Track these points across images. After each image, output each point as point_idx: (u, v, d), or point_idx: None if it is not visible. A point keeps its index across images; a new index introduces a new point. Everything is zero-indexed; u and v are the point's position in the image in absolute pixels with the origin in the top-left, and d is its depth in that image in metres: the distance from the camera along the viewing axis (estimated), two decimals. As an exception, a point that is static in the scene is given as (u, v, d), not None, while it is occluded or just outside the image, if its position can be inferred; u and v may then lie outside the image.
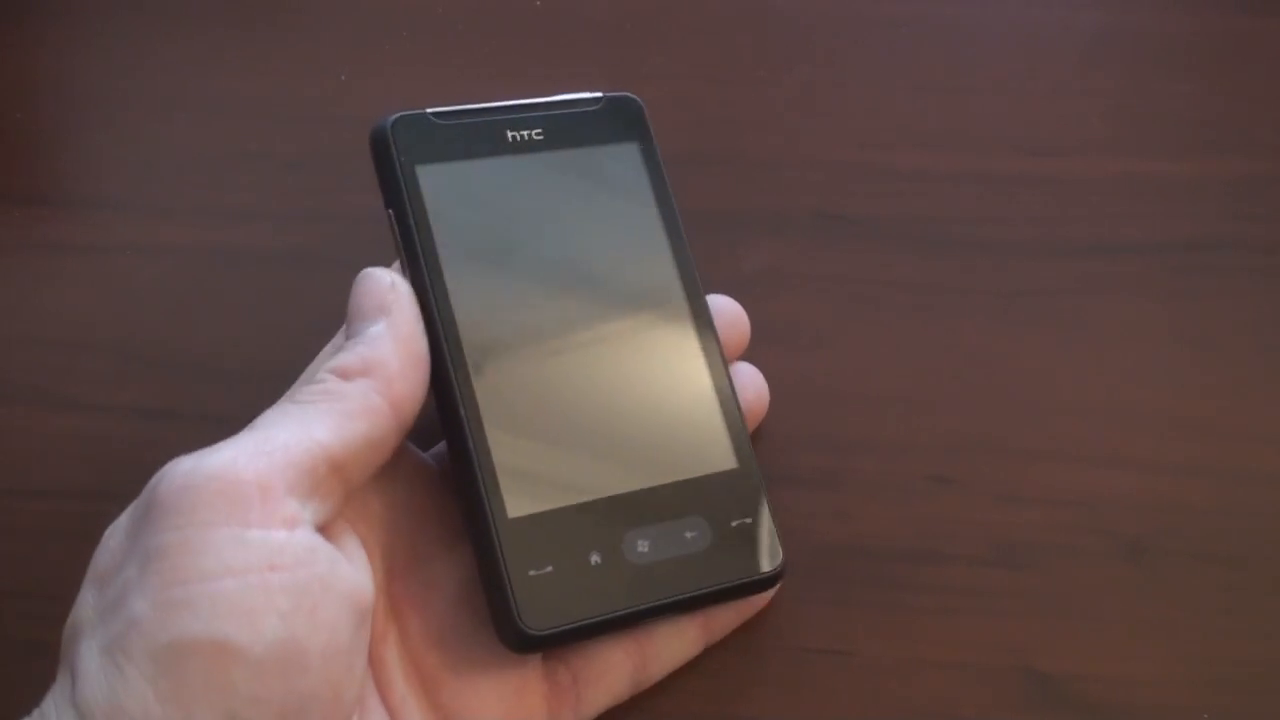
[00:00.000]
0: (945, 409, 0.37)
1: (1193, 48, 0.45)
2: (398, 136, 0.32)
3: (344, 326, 0.31)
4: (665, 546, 0.31)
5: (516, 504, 0.30)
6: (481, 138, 0.33)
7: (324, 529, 0.28)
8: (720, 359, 0.33)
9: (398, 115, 0.32)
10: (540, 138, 0.34)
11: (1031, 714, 0.32)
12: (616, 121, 0.35)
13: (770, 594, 0.33)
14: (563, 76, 0.36)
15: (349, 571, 0.27)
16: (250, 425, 0.28)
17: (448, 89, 0.36)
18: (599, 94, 0.35)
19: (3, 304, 0.40)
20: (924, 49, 0.45)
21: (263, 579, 0.25)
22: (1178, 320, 0.39)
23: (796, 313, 0.39)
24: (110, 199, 0.42)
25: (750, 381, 0.35)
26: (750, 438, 0.33)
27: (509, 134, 0.33)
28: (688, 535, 0.31)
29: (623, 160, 0.34)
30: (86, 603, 0.26)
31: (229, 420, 0.31)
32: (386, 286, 0.30)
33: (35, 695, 0.26)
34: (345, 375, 0.29)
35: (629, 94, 0.35)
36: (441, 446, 0.34)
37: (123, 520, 0.27)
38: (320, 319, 0.34)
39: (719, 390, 0.33)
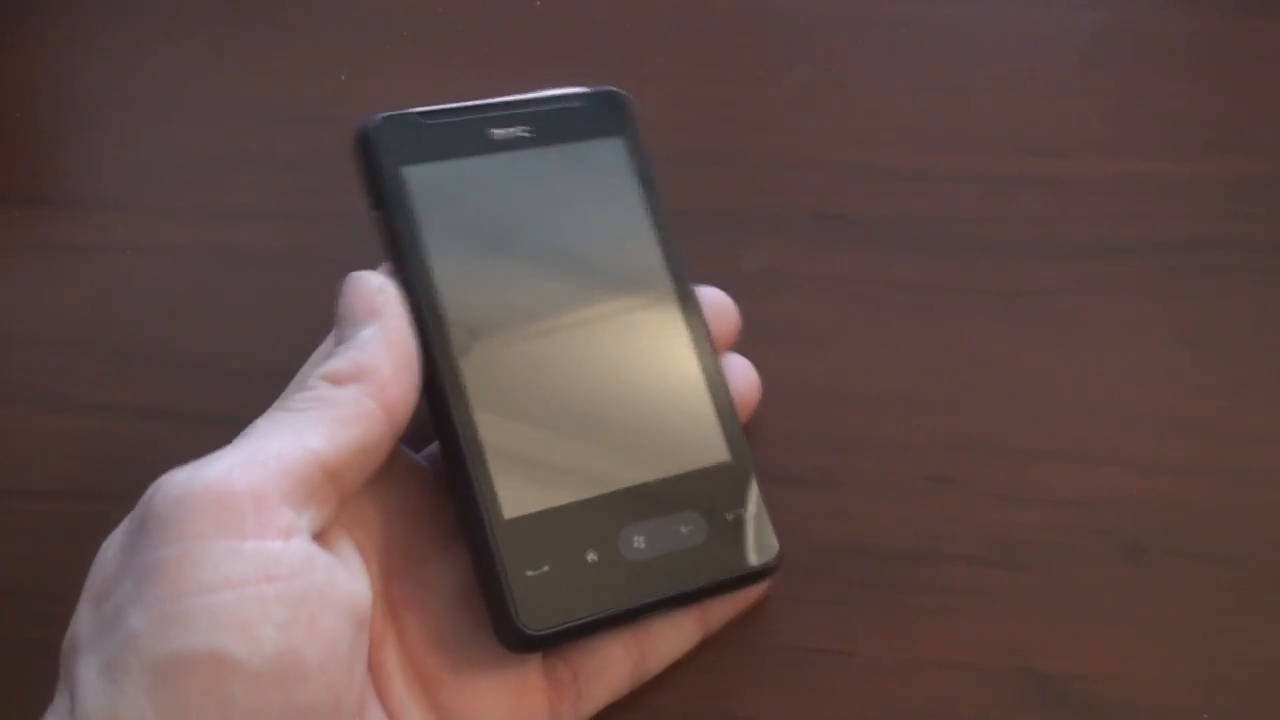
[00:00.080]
0: (945, 409, 0.37)
1: (1193, 48, 0.45)
2: (382, 138, 0.32)
3: (333, 331, 0.31)
4: (661, 542, 0.31)
5: (512, 505, 0.30)
6: (467, 136, 0.33)
7: (320, 536, 0.28)
8: (711, 351, 0.33)
9: (382, 116, 0.32)
10: (526, 135, 0.33)
11: (1031, 714, 0.32)
12: (602, 116, 0.34)
13: (764, 586, 0.33)
14: (563, 76, 0.36)
15: (346, 579, 0.27)
16: (243, 434, 0.28)
17: (448, 89, 0.36)
18: (584, 89, 0.34)
19: (3, 304, 0.40)
20: (924, 49, 0.45)
21: (259, 590, 0.25)
22: (1177, 320, 0.39)
23: (796, 313, 0.39)
24: (110, 199, 0.42)
25: (741, 373, 0.35)
26: (743, 429, 0.33)
27: (494, 132, 0.33)
28: (683, 530, 0.31)
29: (609, 155, 0.34)
30: (84, 619, 0.26)
31: (229, 420, 0.31)
32: (375, 289, 0.30)
33: (35, 695, 0.26)
34: (337, 381, 0.29)
35: (613, 88, 0.35)
36: (434, 447, 0.33)
37: (118, 534, 0.27)
38: (320, 319, 0.34)
39: (710, 383, 0.33)
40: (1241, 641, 0.33)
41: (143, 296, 0.40)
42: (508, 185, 0.33)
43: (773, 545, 0.32)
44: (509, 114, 0.33)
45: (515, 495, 0.30)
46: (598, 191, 0.34)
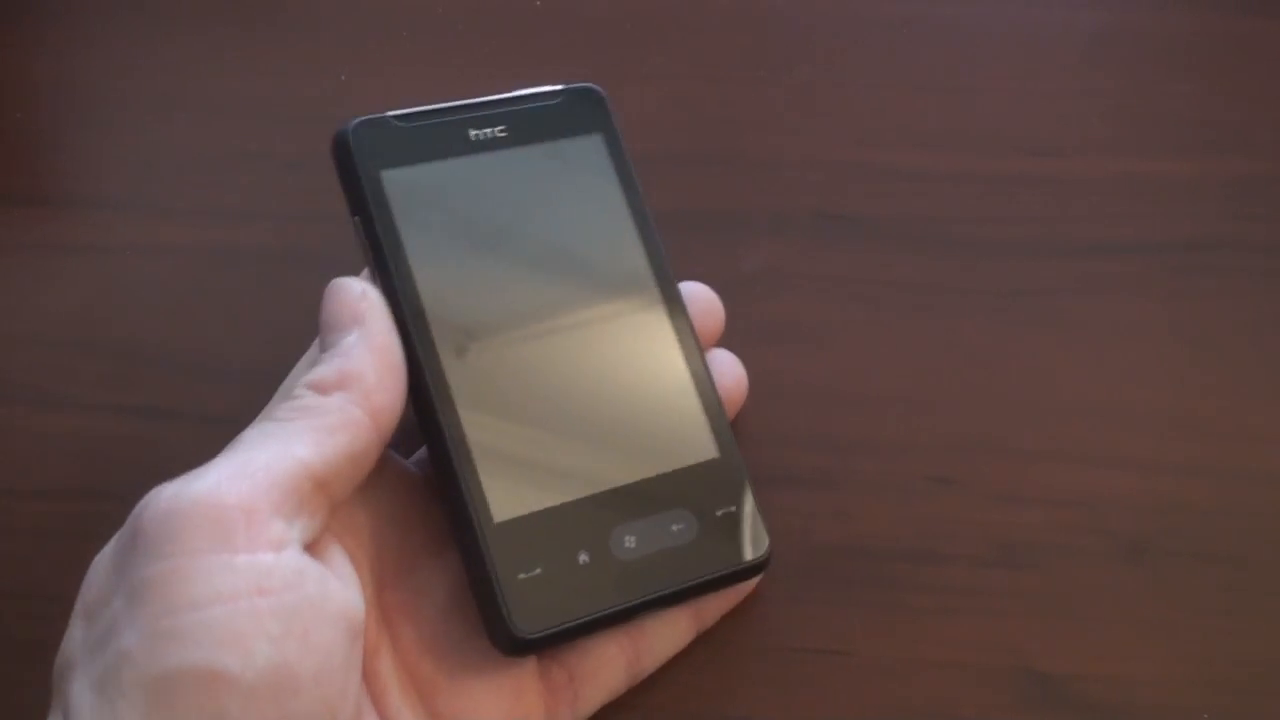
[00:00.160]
0: (945, 409, 0.37)
1: (1193, 48, 0.45)
2: (360, 142, 0.31)
3: (317, 339, 0.31)
4: (652, 540, 0.31)
5: (502, 508, 0.30)
6: (444, 138, 0.33)
7: (311, 546, 0.28)
8: (696, 347, 0.33)
9: (358, 120, 0.32)
10: (504, 135, 0.33)
11: (1031, 714, 0.32)
12: (579, 114, 0.34)
13: (756, 581, 0.33)
14: (563, 76, 0.36)
15: (339, 590, 0.27)
16: (230, 446, 0.28)
17: (448, 89, 0.35)
18: (559, 86, 0.34)
19: (3, 304, 0.40)
20: (924, 49, 0.45)
21: (252, 604, 0.25)
22: (1178, 320, 0.39)
23: (796, 313, 0.39)
24: (110, 199, 0.42)
25: (728, 369, 0.35)
26: (731, 425, 0.33)
27: (472, 133, 0.33)
28: (674, 528, 0.31)
29: (587, 152, 0.34)
30: (75, 637, 0.26)
31: (229, 420, 0.31)
32: (357, 295, 0.30)
33: (35, 695, 0.26)
34: (322, 389, 0.29)
35: (590, 85, 0.35)
36: (424, 452, 0.33)
37: (108, 551, 0.27)
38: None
39: (696, 380, 0.33)
40: (1241, 641, 0.33)
41: (143, 296, 0.40)
42: (487, 186, 0.33)
43: (764, 540, 0.32)
44: (486, 114, 0.33)
45: (505, 498, 0.30)
46: (578, 189, 0.34)
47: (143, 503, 0.26)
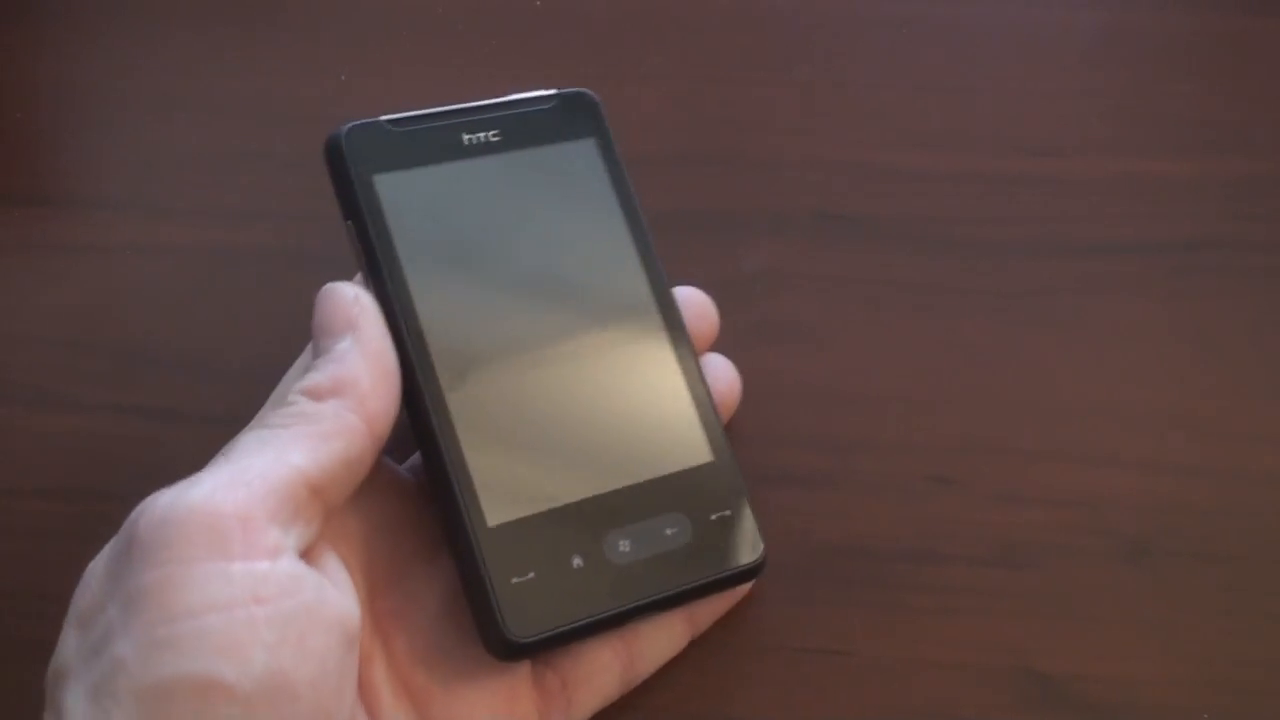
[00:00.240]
0: (945, 409, 0.37)
1: (1193, 48, 0.45)
2: (352, 146, 0.31)
3: (310, 344, 0.31)
4: (646, 545, 0.31)
5: (495, 512, 0.30)
6: (438, 143, 0.33)
7: (307, 553, 0.28)
8: (690, 352, 0.33)
9: (351, 125, 0.32)
10: (497, 139, 0.33)
11: (1031, 714, 0.32)
12: (572, 118, 0.34)
13: (750, 584, 0.33)
14: (563, 77, 0.36)
15: (335, 597, 0.27)
16: (224, 453, 0.28)
17: (448, 89, 0.35)
18: (553, 91, 0.34)
19: (3, 304, 0.40)
20: (924, 49, 0.45)
21: (248, 612, 0.25)
22: (1178, 320, 0.39)
23: (796, 313, 0.39)
24: (110, 199, 0.42)
25: (722, 373, 0.34)
26: (725, 429, 0.33)
27: (465, 137, 0.33)
28: (668, 532, 0.31)
29: (581, 157, 0.34)
30: (69, 645, 0.26)
31: (229, 420, 0.31)
32: (350, 300, 0.30)
33: (35, 695, 0.26)
34: (317, 395, 0.28)
35: (583, 90, 0.35)
36: (416, 459, 0.33)
37: (102, 558, 0.27)
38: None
39: (690, 384, 0.33)
40: (1241, 641, 0.33)
41: (143, 296, 0.40)
42: (480, 191, 0.33)
43: (758, 544, 0.32)
44: (479, 119, 0.33)
45: (498, 502, 0.30)
46: (571, 194, 0.34)
47: (138, 510, 0.26)
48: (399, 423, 0.30)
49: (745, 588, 0.33)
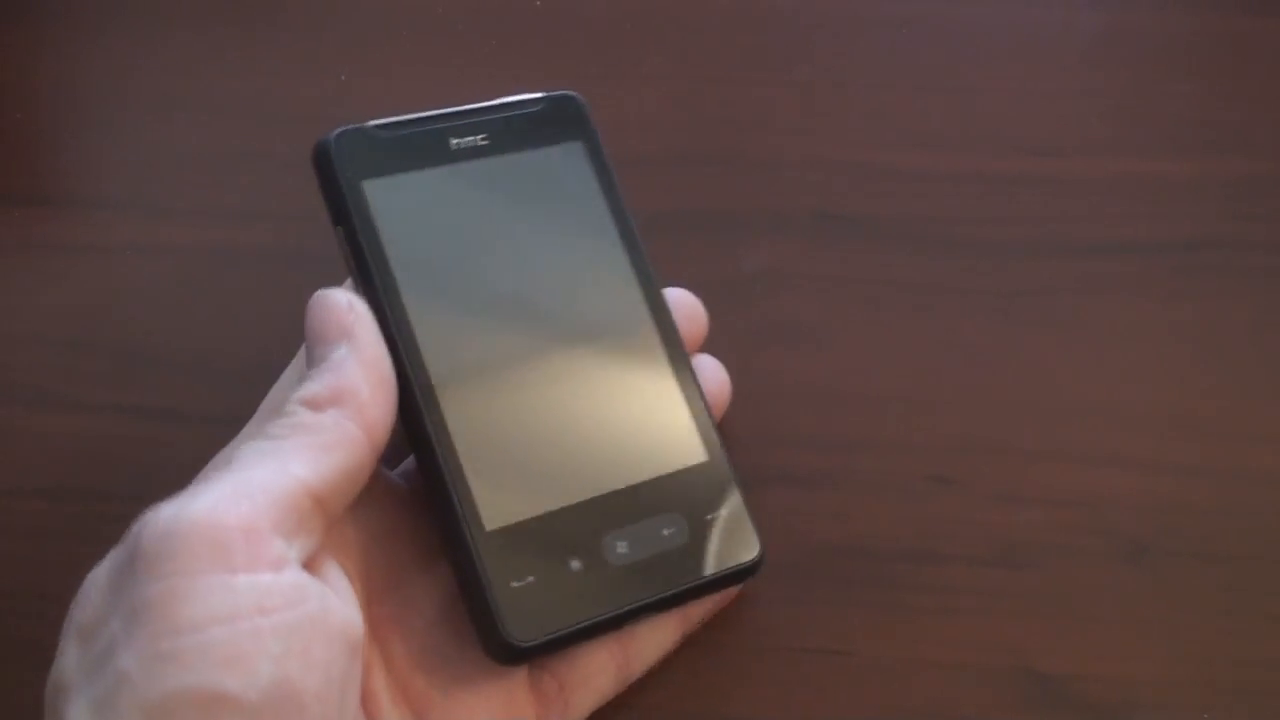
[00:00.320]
0: (945, 409, 0.37)
1: (1193, 48, 0.45)
2: (341, 152, 0.31)
3: (303, 349, 0.31)
4: (644, 545, 0.31)
5: (492, 516, 0.30)
6: (426, 148, 0.32)
7: (308, 564, 0.27)
8: (681, 352, 0.33)
9: (339, 131, 0.32)
10: (485, 143, 0.33)
11: (1031, 714, 0.32)
12: (559, 121, 0.34)
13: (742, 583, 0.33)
14: (563, 77, 0.36)
15: (339, 607, 0.27)
16: (224, 464, 0.28)
17: (448, 89, 0.35)
18: (539, 94, 0.34)
19: (3, 304, 0.40)
20: (924, 49, 0.45)
21: (253, 624, 0.25)
22: (1178, 320, 0.39)
23: (796, 313, 0.39)
24: (110, 199, 0.42)
25: (711, 374, 0.34)
26: (717, 429, 0.33)
27: (453, 142, 0.33)
28: (665, 532, 0.31)
29: (568, 160, 0.34)
30: (69, 659, 0.26)
31: (229, 420, 0.31)
32: (345, 307, 0.30)
33: (35, 695, 0.26)
34: (316, 406, 0.28)
35: (570, 92, 0.35)
36: (408, 464, 0.33)
37: (102, 570, 0.26)
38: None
39: (683, 385, 0.33)
40: (1241, 641, 0.33)
41: (143, 296, 0.40)
42: (469, 195, 0.33)
43: (755, 542, 0.32)
44: (467, 123, 0.33)
45: (495, 507, 0.30)
46: (560, 197, 0.33)
47: (140, 522, 0.26)
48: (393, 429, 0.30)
49: (737, 586, 0.33)
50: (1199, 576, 0.34)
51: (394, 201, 0.31)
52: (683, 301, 0.34)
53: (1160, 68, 0.44)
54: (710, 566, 0.31)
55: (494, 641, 0.29)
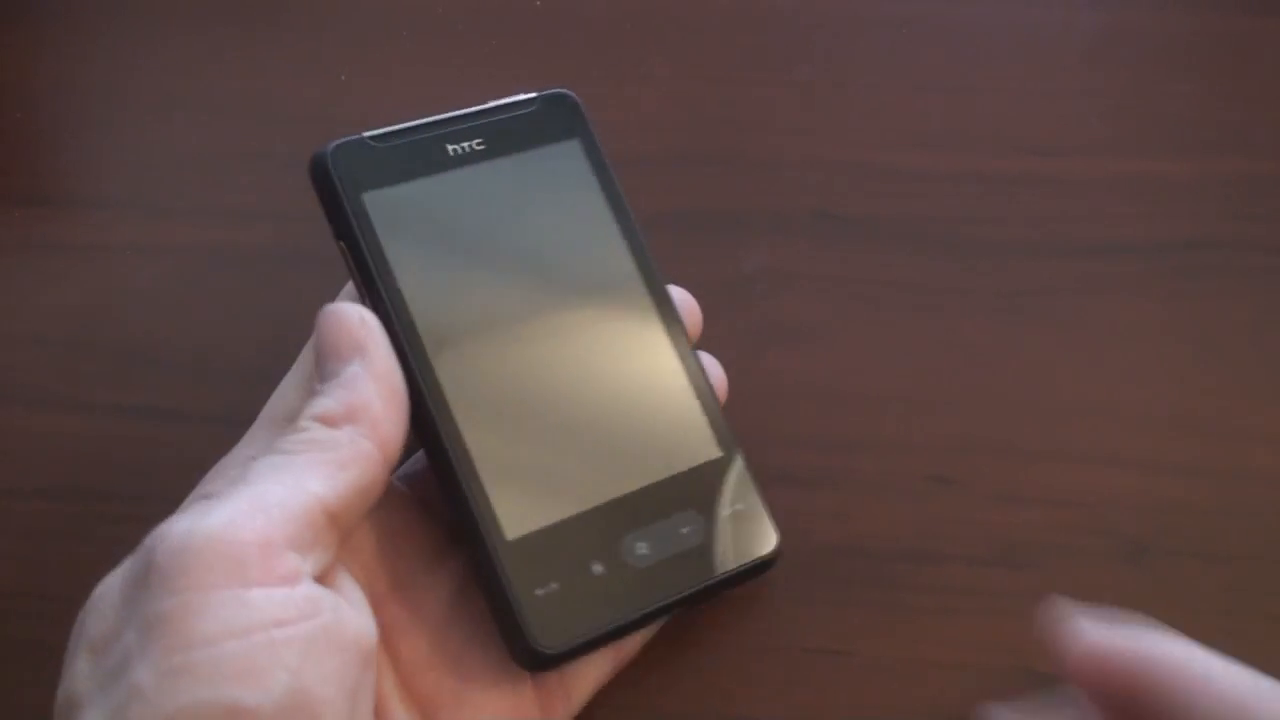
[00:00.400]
0: (945, 409, 0.37)
1: (1193, 48, 0.45)
2: (339, 166, 0.31)
3: (307, 353, 0.31)
4: (664, 545, 0.31)
5: (513, 526, 0.30)
6: (423, 156, 0.32)
7: (321, 576, 0.28)
8: (689, 349, 0.33)
9: (335, 144, 0.31)
10: (481, 147, 0.33)
11: (1031, 714, 0.32)
12: (555, 120, 0.34)
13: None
14: (563, 77, 0.36)
15: (352, 616, 0.27)
16: (232, 475, 0.28)
17: (448, 89, 0.35)
18: (533, 94, 0.34)
19: (3, 304, 0.40)
20: (924, 49, 0.45)
21: (267, 637, 0.25)
22: (1178, 320, 0.39)
23: (796, 313, 0.39)
24: (110, 199, 0.42)
25: (709, 372, 0.34)
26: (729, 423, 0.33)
27: (450, 148, 0.33)
28: (684, 530, 0.31)
29: (566, 159, 0.34)
30: (81, 672, 0.26)
31: (229, 420, 0.31)
32: (357, 323, 0.29)
33: (36, 695, 0.26)
34: (330, 422, 0.28)
35: (564, 91, 0.34)
36: (408, 468, 0.33)
37: (114, 583, 0.26)
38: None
39: (693, 381, 0.33)
40: (1241, 641, 0.33)
41: (143, 296, 0.40)
42: (470, 200, 0.32)
43: (772, 535, 0.32)
44: (462, 128, 0.33)
45: (515, 515, 0.30)
46: (560, 197, 0.33)
47: (154, 536, 0.26)
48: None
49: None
50: (1199, 576, 0.34)
51: (395, 213, 0.31)
52: (678, 299, 0.34)
53: (1160, 68, 0.44)
54: (730, 562, 0.31)
55: (523, 650, 0.29)
